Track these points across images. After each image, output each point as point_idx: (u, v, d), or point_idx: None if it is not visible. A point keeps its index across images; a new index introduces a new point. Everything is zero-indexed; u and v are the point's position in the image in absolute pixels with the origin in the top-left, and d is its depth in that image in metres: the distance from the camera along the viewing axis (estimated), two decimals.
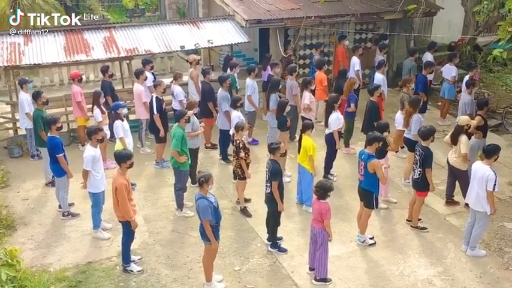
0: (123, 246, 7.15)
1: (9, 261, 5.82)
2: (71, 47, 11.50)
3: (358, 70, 12.30)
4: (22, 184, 9.75)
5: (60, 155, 8.21)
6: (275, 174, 7.25)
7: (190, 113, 8.94)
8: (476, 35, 14.52)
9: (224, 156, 10.50)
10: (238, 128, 8.34)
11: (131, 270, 7.14)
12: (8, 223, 8.27)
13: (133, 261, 7.29)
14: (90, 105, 10.42)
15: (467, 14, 14.69)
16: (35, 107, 9.95)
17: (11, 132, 11.74)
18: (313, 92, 10.63)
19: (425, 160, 7.72)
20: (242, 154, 8.21)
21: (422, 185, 7.90)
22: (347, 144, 10.89)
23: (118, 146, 8.60)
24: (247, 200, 8.82)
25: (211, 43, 12.43)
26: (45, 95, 9.82)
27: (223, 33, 12.77)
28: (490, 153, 7.18)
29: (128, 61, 12.46)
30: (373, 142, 7.39)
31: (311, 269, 7.07)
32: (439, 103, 12.97)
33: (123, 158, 6.92)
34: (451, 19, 16.43)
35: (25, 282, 6.24)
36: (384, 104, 11.08)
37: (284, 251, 7.58)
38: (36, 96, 9.72)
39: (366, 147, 7.53)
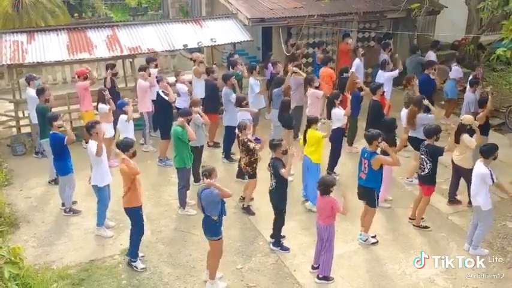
0: (133, 238, 7.17)
1: (12, 259, 5.83)
2: (74, 46, 11.53)
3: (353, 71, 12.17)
4: (25, 182, 9.77)
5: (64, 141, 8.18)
6: (277, 166, 7.23)
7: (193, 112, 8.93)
8: (480, 33, 14.46)
9: (227, 155, 10.48)
10: (241, 127, 8.29)
11: (135, 267, 7.15)
12: (11, 221, 8.30)
13: None
14: (95, 103, 10.41)
15: (471, 13, 14.63)
16: (37, 103, 9.90)
17: (14, 130, 11.76)
18: (317, 89, 10.60)
19: (434, 153, 7.75)
20: (254, 145, 8.16)
21: (430, 179, 7.91)
22: (350, 143, 10.86)
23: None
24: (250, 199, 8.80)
25: (214, 42, 12.43)
26: (50, 92, 9.81)
27: (226, 32, 12.77)
28: (487, 153, 7.19)
29: (130, 59, 12.48)
30: (372, 141, 7.39)
31: (314, 268, 7.07)
32: (443, 102, 12.93)
33: (125, 146, 7.03)
34: (454, 18, 16.36)
35: (28, 280, 6.27)
36: (388, 103, 10.99)
37: (286, 249, 7.57)
38: (40, 92, 9.73)
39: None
